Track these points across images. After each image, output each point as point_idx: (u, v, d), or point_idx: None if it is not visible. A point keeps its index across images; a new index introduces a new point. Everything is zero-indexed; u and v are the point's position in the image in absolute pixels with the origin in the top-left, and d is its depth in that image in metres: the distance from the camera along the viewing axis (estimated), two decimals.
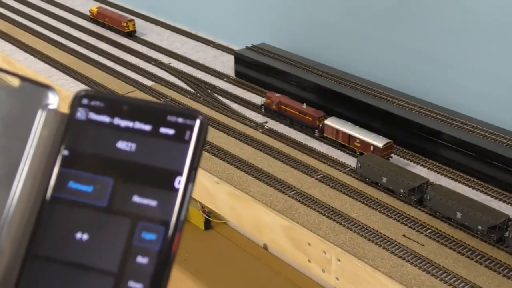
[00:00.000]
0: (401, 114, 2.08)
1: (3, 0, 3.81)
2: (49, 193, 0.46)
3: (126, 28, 3.16)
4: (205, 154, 2.08)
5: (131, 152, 0.46)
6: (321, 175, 1.95)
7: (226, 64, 2.80)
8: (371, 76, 2.35)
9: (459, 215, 1.68)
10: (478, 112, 2.06)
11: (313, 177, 1.95)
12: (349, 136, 2.05)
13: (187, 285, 3.02)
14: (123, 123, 0.46)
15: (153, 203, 0.45)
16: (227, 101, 2.47)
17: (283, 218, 1.76)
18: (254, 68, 2.58)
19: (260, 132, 2.23)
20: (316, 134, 2.18)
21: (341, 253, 1.62)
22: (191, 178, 0.45)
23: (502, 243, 1.62)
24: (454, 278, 1.52)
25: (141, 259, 0.44)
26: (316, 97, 2.32)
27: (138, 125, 0.46)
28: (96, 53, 3.01)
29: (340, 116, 2.17)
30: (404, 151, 2.06)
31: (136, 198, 0.45)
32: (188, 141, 0.45)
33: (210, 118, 2.33)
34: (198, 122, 0.46)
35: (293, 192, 1.87)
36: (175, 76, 2.73)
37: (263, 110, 2.37)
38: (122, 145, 0.46)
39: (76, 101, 0.48)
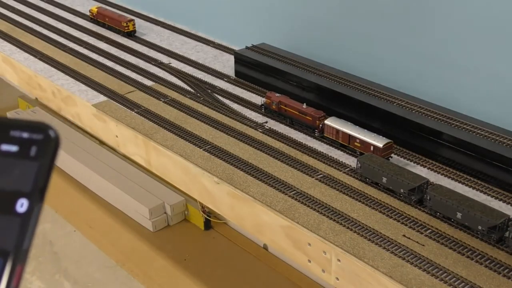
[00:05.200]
0: (401, 114, 2.08)
1: (3, 0, 3.81)
2: None
3: (126, 28, 3.16)
4: (205, 154, 2.08)
5: None
6: (321, 175, 1.95)
7: (226, 64, 2.80)
8: (371, 76, 2.35)
9: (459, 215, 1.68)
10: (478, 112, 2.06)
11: (313, 177, 1.95)
12: (349, 136, 2.06)
13: (187, 285, 3.02)
14: None
15: None
16: (227, 101, 2.47)
17: (283, 218, 1.76)
18: (254, 68, 2.58)
19: (260, 132, 2.23)
20: (316, 134, 2.18)
21: (341, 253, 1.62)
22: (36, 200, 0.39)
23: (502, 243, 1.62)
24: (454, 278, 1.52)
25: None
26: (316, 97, 2.32)
27: None
28: (96, 53, 3.01)
29: (340, 116, 2.17)
30: (404, 151, 2.06)
31: None
32: (34, 158, 0.40)
33: (210, 118, 2.33)
34: (46, 136, 0.40)
35: (293, 192, 1.87)
36: (175, 76, 2.73)
37: (263, 110, 2.37)
38: None
39: None
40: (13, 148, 0.40)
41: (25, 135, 0.40)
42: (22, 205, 0.39)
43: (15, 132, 0.40)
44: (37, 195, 0.39)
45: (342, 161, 2.03)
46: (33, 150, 0.40)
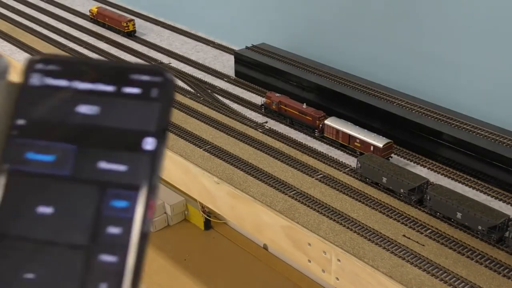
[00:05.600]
0: (401, 114, 2.08)
1: (3, 0, 3.81)
2: (5, 167, 0.42)
3: (126, 28, 3.16)
4: (205, 154, 2.08)
5: (93, 116, 0.42)
6: (321, 175, 1.95)
7: (226, 64, 2.80)
8: (371, 76, 2.35)
9: (459, 215, 1.68)
10: (478, 112, 2.06)
11: (313, 177, 1.95)
12: (349, 136, 2.06)
13: (187, 285, 3.02)
14: (83, 85, 0.43)
15: (122, 167, 0.41)
16: (227, 101, 2.47)
17: (283, 218, 1.76)
18: (254, 68, 2.58)
19: (260, 132, 2.23)
20: (316, 134, 2.18)
21: (341, 253, 1.62)
22: (161, 138, 0.42)
23: (502, 243, 1.62)
24: (454, 278, 1.52)
25: (113, 229, 0.40)
26: (316, 97, 2.32)
27: (100, 86, 0.43)
28: (96, 53, 3.01)
29: (340, 116, 2.17)
30: (404, 151, 2.06)
31: (103, 164, 0.41)
32: (155, 99, 0.42)
33: (210, 118, 2.33)
34: (164, 78, 0.43)
35: (293, 192, 1.87)
36: (175, 76, 2.72)
37: (263, 110, 2.37)
38: (83, 109, 0.42)
39: (30, 67, 0.45)
40: (135, 90, 0.42)
41: (145, 77, 0.42)
42: (148, 143, 0.41)
43: (135, 75, 0.42)
44: (162, 134, 0.41)
45: (342, 161, 2.03)
46: (154, 91, 0.42)
